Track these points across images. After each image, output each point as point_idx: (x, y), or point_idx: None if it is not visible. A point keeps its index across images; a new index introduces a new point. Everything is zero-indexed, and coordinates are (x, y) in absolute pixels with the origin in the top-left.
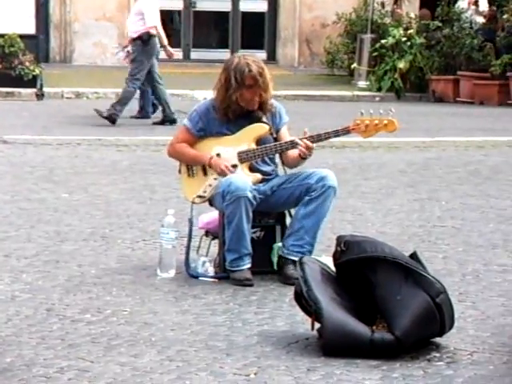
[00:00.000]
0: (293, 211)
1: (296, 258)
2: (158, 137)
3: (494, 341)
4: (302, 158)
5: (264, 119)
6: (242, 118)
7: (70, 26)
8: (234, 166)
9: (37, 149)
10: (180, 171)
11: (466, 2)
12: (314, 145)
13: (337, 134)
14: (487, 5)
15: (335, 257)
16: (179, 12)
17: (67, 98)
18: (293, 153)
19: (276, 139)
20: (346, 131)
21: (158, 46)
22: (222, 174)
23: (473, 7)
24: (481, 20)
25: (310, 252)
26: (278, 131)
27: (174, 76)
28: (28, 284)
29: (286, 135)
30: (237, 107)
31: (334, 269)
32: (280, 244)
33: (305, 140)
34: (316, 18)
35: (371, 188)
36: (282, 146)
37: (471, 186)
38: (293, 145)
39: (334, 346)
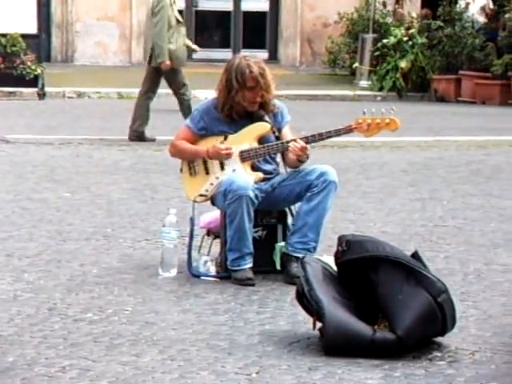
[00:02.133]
0: (294, 211)
1: (301, 255)
2: (159, 136)
3: (495, 340)
4: (298, 160)
5: (266, 118)
6: (244, 117)
7: (72, 25)
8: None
9: (38, 148)
10: (182, 170)
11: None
12: (318, 143)
13: (338, 132)
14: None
15: (337, 256)
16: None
17: (69, 97)
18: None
19: (278, 138)
20: (349, 130)
21: None
22: (225, 156)
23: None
24: (482, 19)
25: (315, 248)
26: (280, 130)
27: None
28: (30, 283)
29: (287, 135)
30: (240, 108)
31: (335, 268)
32: (282, 243)
33: (298, 140)
34: (318, 18)
35: (373, 187)
36: (284, 145)
37: (473, 185)
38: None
39: (335, 345)
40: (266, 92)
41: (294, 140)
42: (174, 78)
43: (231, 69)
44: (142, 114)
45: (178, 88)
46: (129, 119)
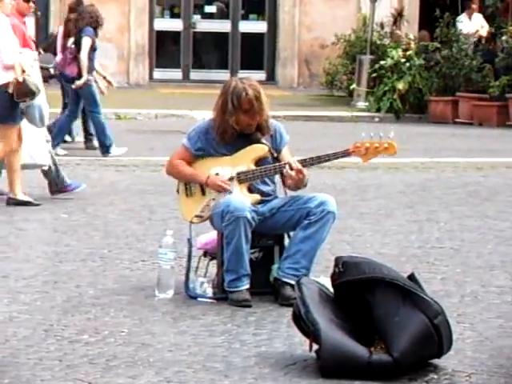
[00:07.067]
0: (291, 233)
1: (291, 281)
2: (157, 157)
3: (491, 362)
4: (296, 185)
5: (263, 140)
6: (240, 139)
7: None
8: (231, 179)
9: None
10: (178, 191)
11: (464, 23)
12: (314, 166)
13: (336, 156)
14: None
15: (333, 278)
16: (178, 33)
17: None
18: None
19: (277, 159)
20: (346, 154)
21: None
22: (220, 190)
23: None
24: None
25: (305, 276)
26: (279, 151)
27: (173, 96)
28: (26, 304)
29: (287, 156)
30: (233, 131)
31: (332, 290)
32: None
33: (294, 162)
34: (315, 39)
35: (370, 209)
36: (282, 167)
37: (470, 207)
38: (290, 167)
39: (332, 367)
40: (260, 115)
41: (290, 164)
42: None
43: (228, 92)
44: None
45: None
46: (126, 140)
